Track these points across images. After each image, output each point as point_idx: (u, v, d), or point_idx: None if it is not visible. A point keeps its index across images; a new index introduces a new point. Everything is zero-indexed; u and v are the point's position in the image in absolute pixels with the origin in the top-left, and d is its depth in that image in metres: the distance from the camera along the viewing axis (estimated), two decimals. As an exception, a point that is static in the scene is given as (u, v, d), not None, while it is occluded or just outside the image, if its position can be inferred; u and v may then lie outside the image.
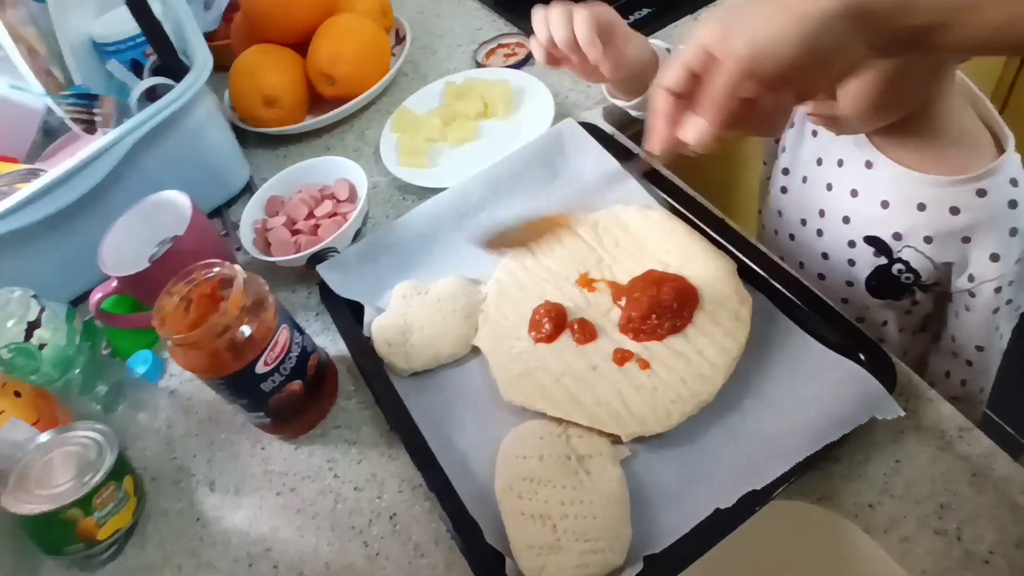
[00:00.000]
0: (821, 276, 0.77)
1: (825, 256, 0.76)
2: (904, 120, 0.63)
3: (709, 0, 0.94)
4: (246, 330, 0.56)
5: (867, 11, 0.42)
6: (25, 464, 0.63)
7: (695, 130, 0.45)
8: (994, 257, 0.65)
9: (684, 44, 0.46)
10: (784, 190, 0.79)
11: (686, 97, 0.46)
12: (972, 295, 0.68)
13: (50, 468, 0.64)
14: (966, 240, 0.65)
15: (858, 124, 0.64)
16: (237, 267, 0.57)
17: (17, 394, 0.68)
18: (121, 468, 0.64)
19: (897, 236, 0.68)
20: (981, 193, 0.63)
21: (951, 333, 0.72)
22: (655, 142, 0.49)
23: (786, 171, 0.78)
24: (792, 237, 0.79)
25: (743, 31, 0.42)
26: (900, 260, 0.70)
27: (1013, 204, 0.63)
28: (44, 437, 0.65)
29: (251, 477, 0.66)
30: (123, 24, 0.81)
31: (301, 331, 0.63)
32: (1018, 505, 0.50)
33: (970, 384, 0.75)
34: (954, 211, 0.64)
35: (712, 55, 0.44)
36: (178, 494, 0.67)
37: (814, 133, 0.74)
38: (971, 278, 0.67)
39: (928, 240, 0.67)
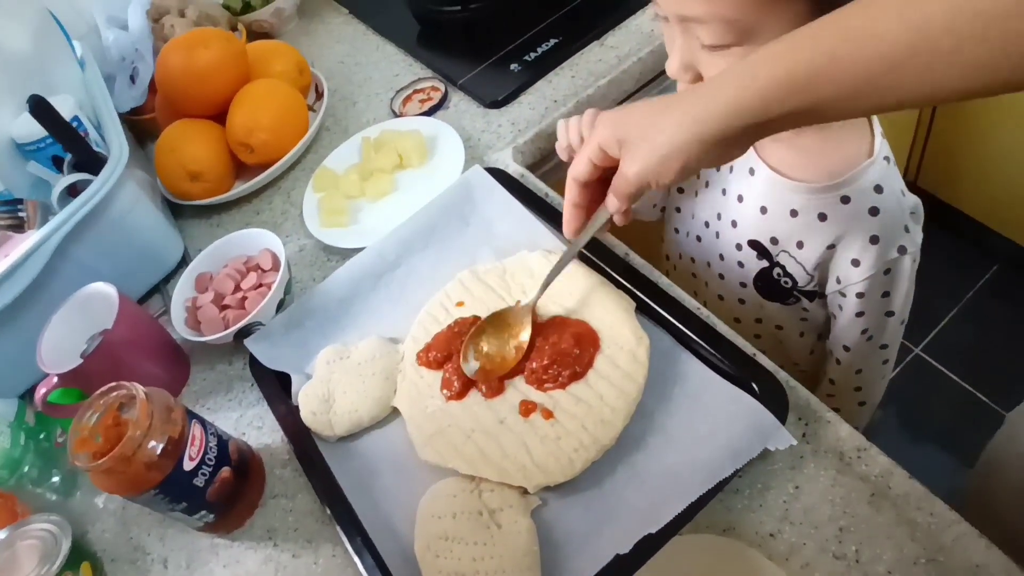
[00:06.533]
0: (721, 276, 0.80)
1: (721, 257, 0.78)
2: None
3: (613, 25, 0.95)
4: (157, 446, 0.58)
5: (766, 123, 0.47)
6: (-15, 563, 0.67)
7: (607, 215, 0.59)
8: (855, 263, 0.67)
9: (585, 140, 0.60)
10: (696, 193, 0.81)
11: (592, 185, 0.59)
12: (843, 295, 0.70)
13: (13, 563, 0.67)
14: (831, 247, 0.67)
15: None
16: (137, 385, 0.60)
17: (-28, 496, 0.71)
18: (77, 555, 0.67)
19: (774, 240, 0.71)
20: (845, 200, 0.65)
21: (831, 332, 0.75)
22: (571, 230, 0.62)
23: (698, 175, 0.80)
24: (699, 239, 0.82)
25: (636, 159, 0.52)
26: (778, 264, 0.72)
27: (874, 211, 0.64)
28: (2, 534, 0.69)
29: (199, 552, 0.69)
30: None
31: (209, 424, 0.66)
32: (915, 522, 0.52)
33: (840, 382, 0.78)
34: (822, 217, 0.66)
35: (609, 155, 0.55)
36: (135, 573, 0.70)
37: None
38: (838, 280, 0.69)
39: (800, 245, 0.69)
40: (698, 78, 0.61)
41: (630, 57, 0.92)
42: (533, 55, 0.95)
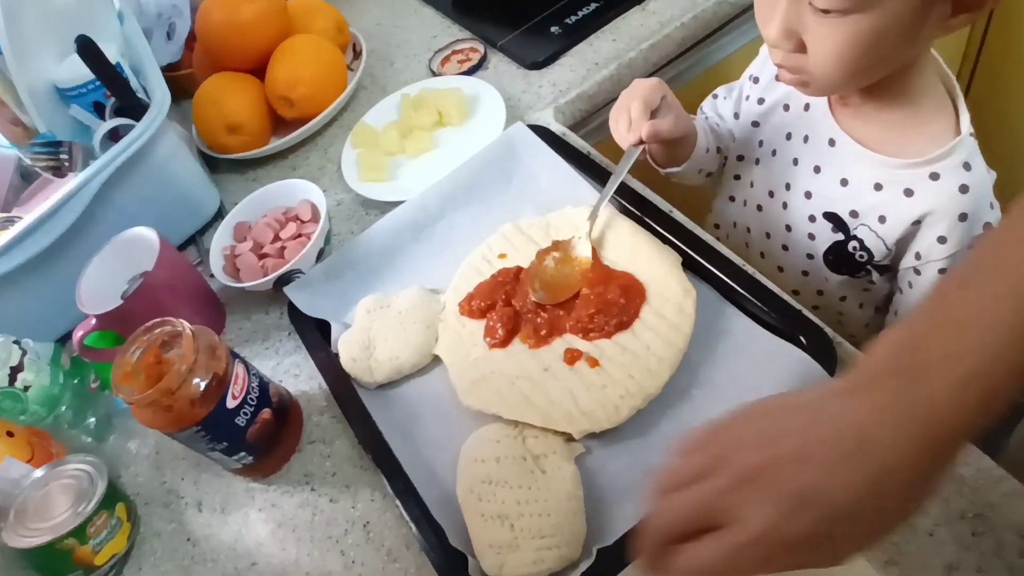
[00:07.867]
0: (785, 247, 0.78)
1: (788, 228, 0.77)
2: (874, 92, 0.64)
3: (654, -12, 0.95)
4: (201, 383, 0.58)
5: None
6: (23, 500, 0.67)
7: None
8: (941, 240, 0.65)
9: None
10: (757, 162, 0.80)
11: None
12: (917, 272, 0.69)
13: (48, 501, 0.67)
14: (916, 223, 0.66)
15: (827, 84, 0.61)
16: (183, 321, 0.60)
17: (10, 434, 0.71)
18: (112, 496, 0.68)
19: (854, 214, 0.69)
20: (934, 177, 0.63)
21: (894, 307, 0.74)
22: None
23: (760, 143, 0.79)
24: (760, 208, 0.80)
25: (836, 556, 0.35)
26: (855, 238, 0.70)
27: (964, 189, 0.63)
28: (39, 473, 0.69)
29: (235, 495, 0.69)
30: (82, 68, 0.83)
31: (251, 365, 0.66)
32: (961, 477, 0.52)
33: None
34: (908, 193, 0.65)
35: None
36: (169, 516, 0.70)
37: (785, 107, 0.75)
38: (917, 256, 0.68)
39: (882, 220, 0.68)
40: (801, 47, 0.58)
41: (672, 22, 0.91)
42: (573, 19, 0.95)
